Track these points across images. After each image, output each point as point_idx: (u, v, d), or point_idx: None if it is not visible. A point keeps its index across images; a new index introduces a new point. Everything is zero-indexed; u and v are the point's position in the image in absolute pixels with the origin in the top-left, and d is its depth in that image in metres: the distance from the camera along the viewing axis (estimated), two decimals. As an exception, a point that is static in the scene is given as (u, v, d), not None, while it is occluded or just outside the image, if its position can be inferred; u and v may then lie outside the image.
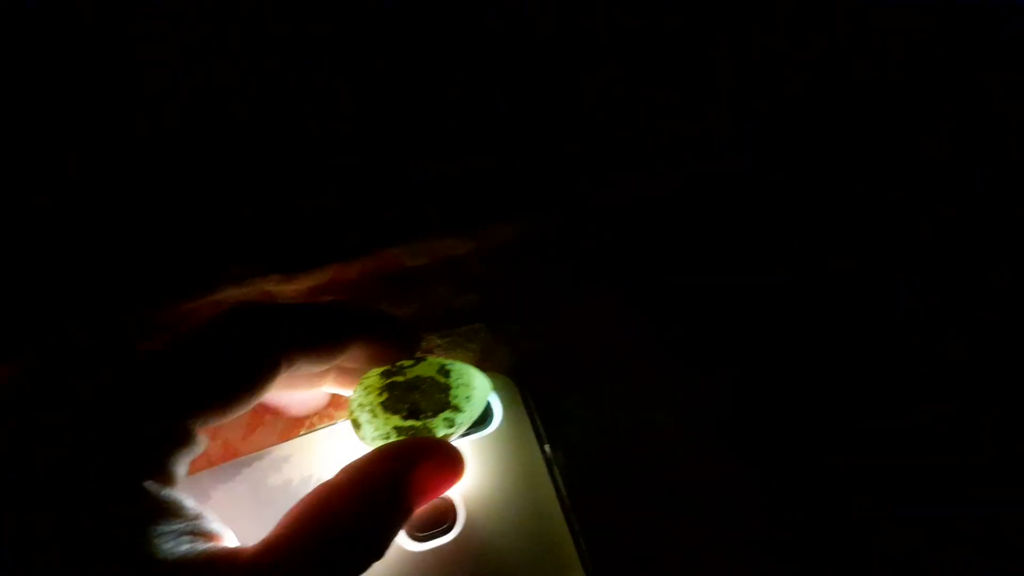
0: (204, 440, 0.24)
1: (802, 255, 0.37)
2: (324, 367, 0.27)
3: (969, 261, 0.37)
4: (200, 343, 0.24)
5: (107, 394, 0.23)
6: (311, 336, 0.26)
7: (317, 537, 0.22)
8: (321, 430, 0.32)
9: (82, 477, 0.21)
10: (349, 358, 0.27)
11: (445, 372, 0.28)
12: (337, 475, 0.24)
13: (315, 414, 0.34)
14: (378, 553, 0.23)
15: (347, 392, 0.31)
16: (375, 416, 0.27)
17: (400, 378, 0.27)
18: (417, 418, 0.27)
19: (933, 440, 0.33)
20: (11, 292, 0.34)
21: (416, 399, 0.27)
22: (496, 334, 0.35)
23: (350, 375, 0.29)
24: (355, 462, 0.24)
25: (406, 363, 0.28)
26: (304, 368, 0.26)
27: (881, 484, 0.32)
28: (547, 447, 0.31)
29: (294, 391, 0.32)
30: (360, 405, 0.27)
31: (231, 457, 0.33)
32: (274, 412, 0.33)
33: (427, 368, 0.28)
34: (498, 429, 0.31)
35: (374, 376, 0.28)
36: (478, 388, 0.28)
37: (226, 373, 0.24)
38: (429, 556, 0.29)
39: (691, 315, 0.36)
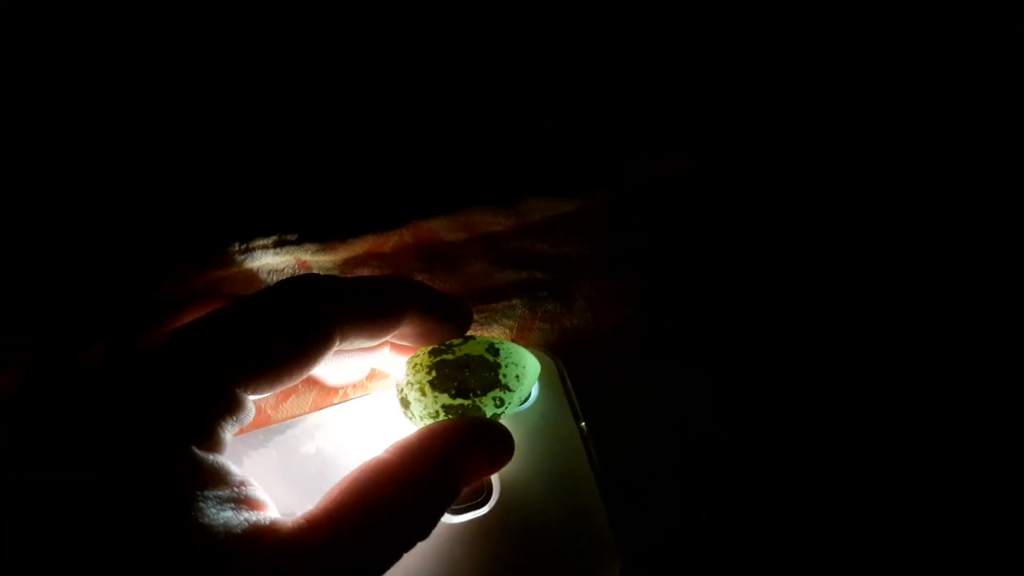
0: (252, 409, 0.24)
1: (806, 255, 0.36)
2: (376, 342, 0.27)
3: (970, 261, 0.36)
4: (254, 311, 0.24)
5: (156, 358, 0.23)
6: (366, 311, 0.25)
7: (364, 516, 0.22)
8: (356, 400, 0.32)
9: (129, 438, 0.21)
10: (400, 335, 0.27)
11: (494, 351, 0.27)
12: (385, 452, 0.24)
13: (352, 385, 0.34)
14: (424, 533, 0.23)
15: (393, 367, 0.30)
16: (423, 394, 0.26)
17: (449, 356, 0.27)
18: (466, 397, 0.26)
19: (933, 440, 0.33)
20: (26, 272, 0.34)
21: (466, 377, 0.27)
22: (533, 311, 0.35)
23: (400, 352, 0.29)
24: (404, 440, 0.24)
25: (455, 342, 0.28)
26: (356, 343, 0.26)
27: (880, 483, 0.32)
28: (583, 424, 0.30)
29: (341, 364, 0.32)
30: (409, 384, 0.27)
31: (263, 424, 0.33)
32: (310, 382, 0.33)
33: (476, 347, 0.27)
34: (535, 405, 0.31)
35: (422, 355, 0.27)
36: (528, 368, 0.28)
37: (279, 342, 0.24)
38: (463, 528, 0.28)
39: (702, 311, 0.35)
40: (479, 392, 0.26)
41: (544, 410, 0.31)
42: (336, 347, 0.25)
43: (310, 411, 0.32)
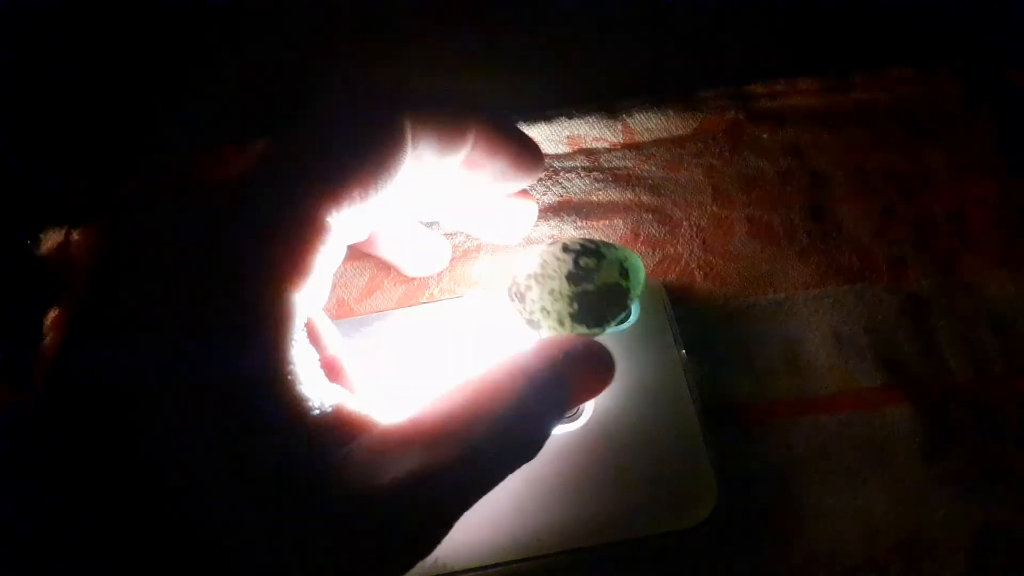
0: (342, 241, 0.21)
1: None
2: (450, 156, 0.24)
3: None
4: (323, 124, 0.22)
5: (243, 181, 0.20)
6: (435, 111, 0.23)
7: (473, 428, 0.20)
8: (446, 301, 0.31)
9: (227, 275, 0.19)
10: (472, 161, 0.24)
11: (625, 273, 0.26)
12: (498, 367, 0.22)
13: (434, 274, 0.32)
14: (532, 454, 0.22)
15: (483, 273, 0.29)
16: (562, 325, 0.25)
17: (591, 287, 0.25)
18: (602, 326, 0.25)
19: None
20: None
21: (605, 310, 0.25)
22: (635, 234, 0.33)
23: (474, 182, 0.26)
24: (515, 359, 0.22)
25: (589, 263, 0.25)
26: (429, 149, 0.23)
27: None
28: (684, 352, 0.29)
29: (423, 251, 0.31)
30: (544, 311, 0.25)
31: (346, 317, 0.32)
32: (393, 270, 0.32)
33: (611, 272, 0.26)
34: (635, 326, 0.29)
35: (559, 280, 0.25)
36: (643, 281, 0.27)
37: (355, 147, 0.21)
38: (553, 442, 0.27)
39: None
40: (611, 321, 0.25)
41: (645, 333, 0.29)
42: (410, 148, 0.22)
43: (395, 308, 0.32)
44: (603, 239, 0.28)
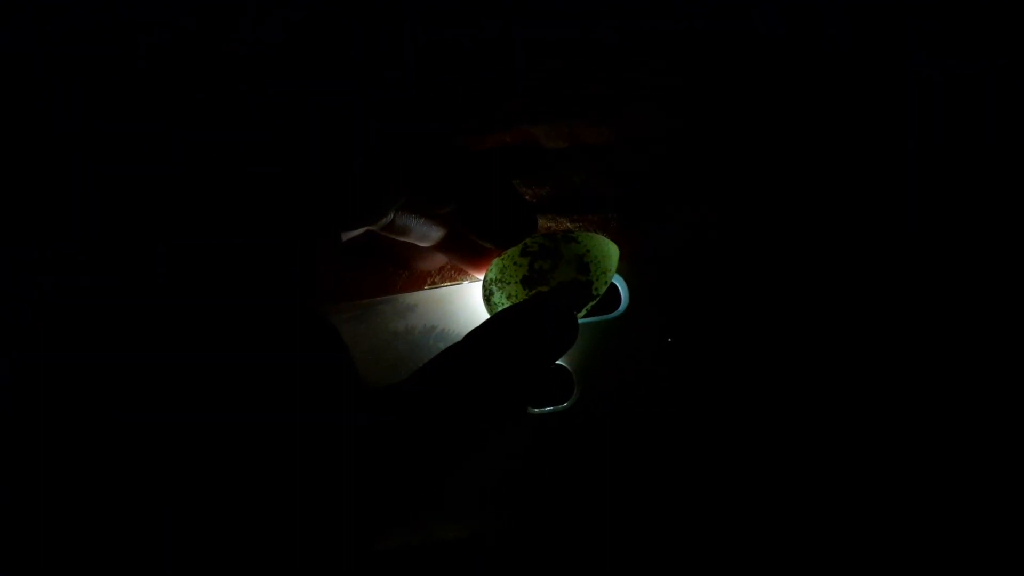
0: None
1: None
2: (436, 208, 0.28)
3: None
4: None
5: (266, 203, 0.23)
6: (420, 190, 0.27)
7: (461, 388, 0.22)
8: (447, 287, 0.33)
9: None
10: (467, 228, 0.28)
11: (584, 269, 0.28)
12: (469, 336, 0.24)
13: (441, 276, 0.34)
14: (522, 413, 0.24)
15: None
16: None
17: (545, 288, 0.27)
18: None
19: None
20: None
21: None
22: (630, 225, 0.35)
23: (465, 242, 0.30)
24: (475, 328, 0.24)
25: (545, 265, 0.28)
26: (423, 202, 0.27)
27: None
28: (669, 340, 0.31)
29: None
30: (511, 297, 0.28)
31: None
32: (401, 265, 0.34)
33: (567, 271, 0.27)
34: (623, 315, 0.31)
35: (515, 285, 0.28)
36: (612, 265, 0.28)
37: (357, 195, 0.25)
38: (540, 421, 0.29)
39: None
40: (577, 313, 0.27)
41: (632, 320, 0.31)
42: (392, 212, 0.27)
43: (399, 292, 0.33)
44: (584, 231, 0.30)
